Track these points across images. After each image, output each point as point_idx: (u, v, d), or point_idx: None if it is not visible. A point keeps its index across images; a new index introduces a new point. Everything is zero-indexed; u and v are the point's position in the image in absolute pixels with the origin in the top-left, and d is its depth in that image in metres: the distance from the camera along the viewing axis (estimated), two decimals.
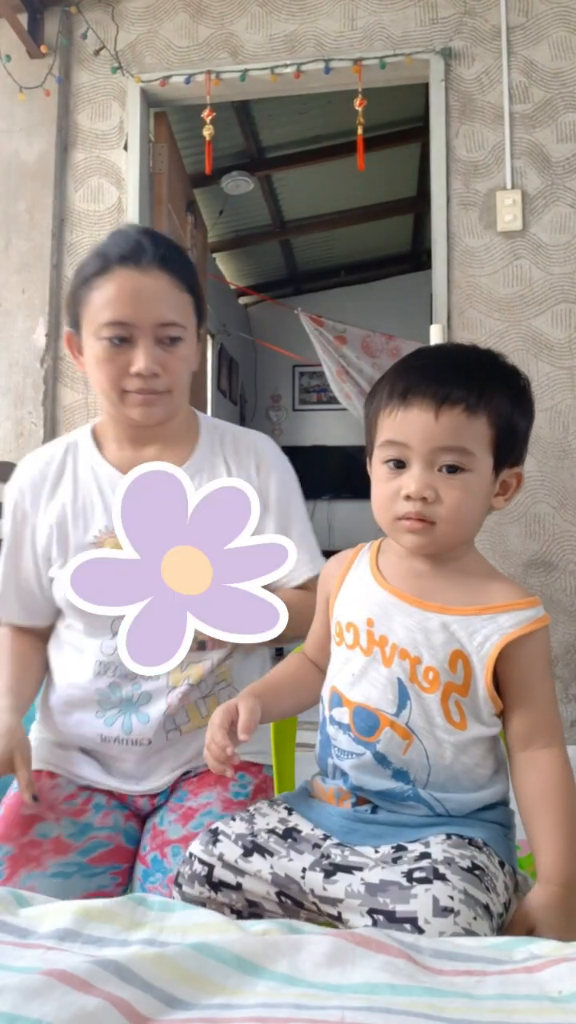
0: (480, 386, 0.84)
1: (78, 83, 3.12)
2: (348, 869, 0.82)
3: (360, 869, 0.81)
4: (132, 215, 3.03)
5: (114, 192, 3.06)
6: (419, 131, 4.34)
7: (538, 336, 2.76)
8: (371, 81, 2.94)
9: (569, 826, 0.81)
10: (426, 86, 2.93)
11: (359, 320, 6.04)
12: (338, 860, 0.83)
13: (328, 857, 0.84)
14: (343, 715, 0.90)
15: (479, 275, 2.81)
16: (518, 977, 0.58)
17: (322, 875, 0.82)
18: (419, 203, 5.22)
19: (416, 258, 6.34)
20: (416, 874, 0.77)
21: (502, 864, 0.83)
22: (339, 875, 0.82)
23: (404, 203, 5.52)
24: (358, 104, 2.88)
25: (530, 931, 0.79)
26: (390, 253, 6.45)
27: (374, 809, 0.87)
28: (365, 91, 2.92)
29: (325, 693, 0.94)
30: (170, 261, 1.16)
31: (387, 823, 0.86)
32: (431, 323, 2.84)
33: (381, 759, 0.87)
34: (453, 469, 0.84)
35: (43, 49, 3.04)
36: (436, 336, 2.80)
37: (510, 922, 0.80)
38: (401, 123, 4.45)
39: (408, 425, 0.84)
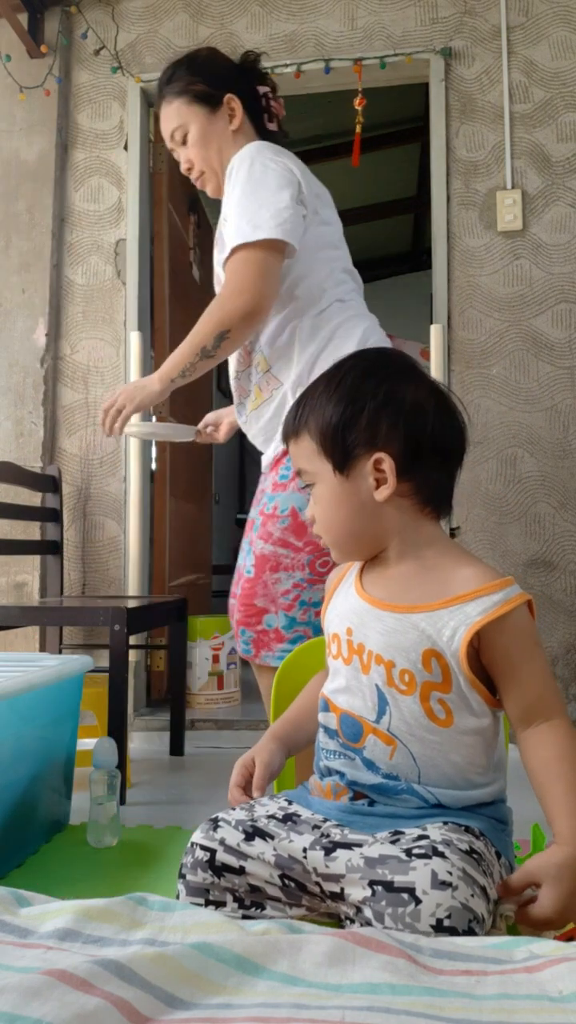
0: (296, 411, 0.94)
1: (78, 83, 3.11)
2: (348, 846, 0.83)
3: (359, 846, 0.82)
4: (132, 214, 3.03)
5: (114, 192, 3.06)
6: (419, 131, 4.34)
7: (538, 336, 2.76)
8: (371, 81, 2.94)
9: None
10: (426, 86, 2.93)
11: None
12: (337, 839, 0.84)
13: (328, 836, 0.85)
14: (330, 720, 0.92)
15: (479, 275, 2.81)
16: (518, 977, 0.58)
17: (323, 853, 0.84)
18: (419, 203, 5.21)
19: (416, 258, 6.34)
20: (415, 851, 0.78)
21: (498, 855, 0.84)
22: (339, 851, 0.83)
23: (404, 203, 5.52)
24: (358, 103, 2.88)
25: (534, 884, 0.79)
26: (390, 253, 6.44)
27: (371, 803, 0.88)
28: (365, 91, 2.92)
29: (319, 700, 0.96)
30: (168, 83, 1.60)
31: (384, 815, 0.87)
32: (431, 323, 2.84)
33: (369, 764, 0.88)
34: (309, 487, 0.94)
35: (43, 49, 3.03)
36: (436, 336, 2.80)
37: (514, 874, 0.80)
38: (401, 123, 4.45)
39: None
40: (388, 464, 0.87)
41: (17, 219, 3.06)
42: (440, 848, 0.77)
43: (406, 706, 0.86)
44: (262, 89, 1.64)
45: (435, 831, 0.81)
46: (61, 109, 3.08)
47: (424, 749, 0.85)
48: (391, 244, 6.28)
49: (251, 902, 0.87)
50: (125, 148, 3.06)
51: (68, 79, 3.11)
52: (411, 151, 4.81)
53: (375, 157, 4.63)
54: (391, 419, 0.87)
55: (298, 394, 1.02)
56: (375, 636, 0.88)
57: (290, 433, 0.94)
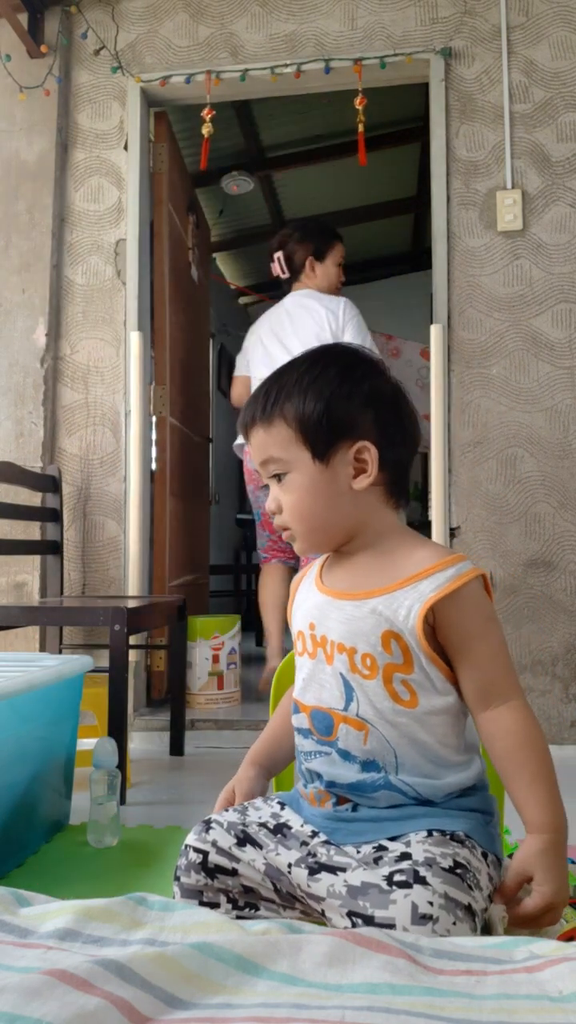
0: (266, 399, 0.91)
1: (78, 83, 3.11)
2: (332, 869, 0.83)
3: (343, 870, 0.82)
4: (132, 215, 3.03)
5: (114, 192, 3.06)
6: (419, 131, 4.34)
7: (538, 336, 2.76)
8: (371, 81, 2.94)
9: (545, 775, 0.83)
10: (426, 86, 2.93)
11: None
12: (323, 859, 0.84)
13: (314, 855, 0.85)
14: (302, 720, 0.92)
15: (479, 275, 2.81)
16: (518, 977, 0.58)
17: (306, 872, 0.84)
18: (419, 203, 5.22)
19: (416, 258, 6.34)
20: (396, 877, 0.77)
21: (485, 855, 0.84)
22: (322, 874, 0.83)
23: (404, 203, 5.52)
24: (358, 103, 2.88)
25: (527, 879, 0.80)
26: (390, 253, 6.45)
27: (355, 807, 0.88)
28: (365, 91, 2.92)
29: (291, 706, 0.96)
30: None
31: (368, 819, 0.86)
32: (431, 323, 2.84)
33: (345, 755, 0.88)
34: (280, 477, 0.91)
35: (43, 49, 3.03)
36: (436, 336, 2.80)
37: (506, 878, 0.82)
38: (401, 123, 4.45)
39: (251, 453, 0.96)
40: (371, 453, 0.87)
41: (17, 219, 3.06)
42: (422, 872, 0.76)
43: (371, 690, 0.86)
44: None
45: (418, 848, 0.80)
46: (61, 109, 3.08)
47: (394, 731, 0.86)
48: (391, 244, 6.28)
49: (245, 903, 0.88)
50: (125, 148, 3.06)
51: (68, 79, 3.11)
52: (411, 151, 4.81)
53: (375, 157, 4.61)
54: (374, 411, 0.89)
55: None
56: (336, 626, 0.89)
57: (258, 420, 0.92)
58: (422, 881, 0.75)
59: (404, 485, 0.93)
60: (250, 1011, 0.54)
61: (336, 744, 0.88)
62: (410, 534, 0.93)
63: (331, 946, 0.61)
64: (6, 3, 2.89)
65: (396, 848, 0.82)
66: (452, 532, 2.75)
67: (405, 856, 0.80)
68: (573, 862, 1.41)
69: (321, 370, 0.90)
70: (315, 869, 0.83)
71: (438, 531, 2.75)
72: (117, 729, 2.06)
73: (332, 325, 2.85)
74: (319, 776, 0.89)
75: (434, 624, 0.85)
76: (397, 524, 0.93)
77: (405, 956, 0.60)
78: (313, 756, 0.90)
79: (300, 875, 0.84)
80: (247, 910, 0.88)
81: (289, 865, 0.85)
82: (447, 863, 0.78)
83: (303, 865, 0.84)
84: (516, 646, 2.67)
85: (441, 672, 0.86)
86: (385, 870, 0.79)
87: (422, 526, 4.63)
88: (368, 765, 0.86)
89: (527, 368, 2.76)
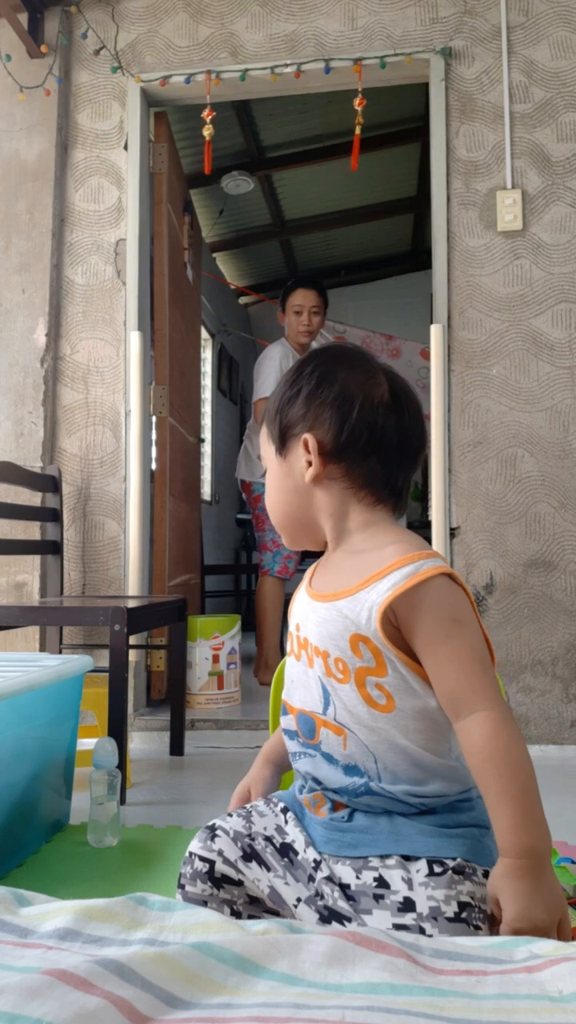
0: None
1: (78, 83, 3.11)
2: (340, 918, 0.82)
3: (349, 920, 0.81)
4: (132, 215, 3.03)
5: (114, 192, 3.06)
6: (419, 131, 4.34)
7: (538, 336, 2.76)
8: (371, 81, 2.94)
9: (512, 795, 0.76)
10: (426, 86, 2.93)
11: (359, 320, 6.03)
12: (330, 903, 0.83)
13: (321, 897, 0.84)
14: (290, 722, 0.91)
15: (479, 275, 2.81)
16: (518, 977, 0.58)
17: (316, 916, 0.83)
18: (419, 203, 5.22)
19: (416, 258, 6.35)
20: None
21: (486, 874, 0.81)
22: (332, 924, 0.81)
23: (404, 203, 5.53)
24: (357, 103, 2.88)
25: (497, 903, 0.77)
26: (390, 253, 6.45)
27: (350, 815, 0.86)
28: (365, 91, 2.92)
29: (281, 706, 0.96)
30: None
31: (361, 830, 0.85)
32: (431, 323, 2.84)
33: (329, 758, 0.87)
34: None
35: (43, 49, 3.03)
36: (436, 336, 2.80)
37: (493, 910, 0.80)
38: (401, 123, 4.46)
39: None
40: (312, 444, 0.87)
41: (17, 219, 3.06)
42: (428, 930, 0.76)
43: (345, 695, 0.84)
44: None
45: (421, 894, 0.78)
46: (61, 109, 3.08)
47: (373, 736, 0.83)
48: (391, 244, 6.29)
49: (248, 915, 0.87)
50: (125, 148, 3.06)
51: (68, 79, 3.11)
52: (411, 151, 4.81)
53: (375, 157, 4.63)
54: (319, 402, 0.88)
55: None
56: (313, 628, 0.87)
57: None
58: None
59: (376, 481, 0.88)
60: (250, 1011, 0.54)
61: (320, 748, 0.87)
62: (384, 531, 0.88)
63: (331, 946, 0.61)
64: (6, 3, 2.89)
65: (398, 888, 0.79)
66: (452, 532, 2.76)
67: (408, 904, 0.78)
68: (573, 862, 1.41)
69: (290, 372, 0.94)
70: (325, 917, 0.82)
71: (438, 531, 2.75)
72: (117, 729, 2.06)
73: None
74: (314, 778, 0.88)
75: (398, 625, 0.81)
76: (372, 520, 0.88)
77: (405, 956, 0.60)
78: (299, 757, 0.90)
79: (308, 915, 0.83)
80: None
81: (297, 900, 0.85)
82: (451, 910, 0.76)
83: (312, 907, 0.84)
84: (516, 646, 2.68)
85: (417, 674, 0.81)
86: (388, 917, 0.78)
87: (422, 526, 4.59)
88: (350, 769, 0.85)
89: (527, 368, 2.76)
